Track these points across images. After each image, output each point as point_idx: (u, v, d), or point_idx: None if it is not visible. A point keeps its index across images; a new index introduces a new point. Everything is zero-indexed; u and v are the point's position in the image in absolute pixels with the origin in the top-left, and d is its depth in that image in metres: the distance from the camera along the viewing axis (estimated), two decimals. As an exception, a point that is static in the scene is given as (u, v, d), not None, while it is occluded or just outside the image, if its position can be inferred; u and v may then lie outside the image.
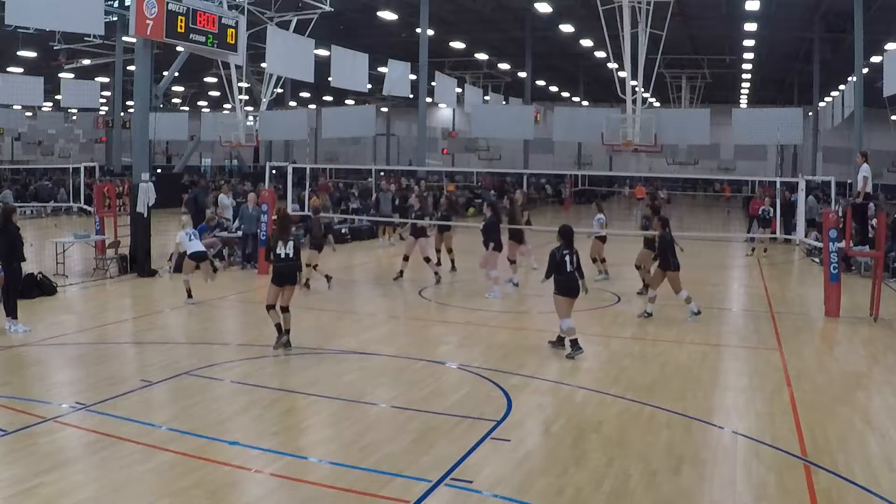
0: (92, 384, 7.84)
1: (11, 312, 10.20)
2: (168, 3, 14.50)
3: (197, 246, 12.44)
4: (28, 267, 13.12)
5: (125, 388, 7.69)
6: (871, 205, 17.35)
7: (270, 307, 9.40)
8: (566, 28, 30.68)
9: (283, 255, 9.37)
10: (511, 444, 6.43)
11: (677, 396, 7.84)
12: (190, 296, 12.28)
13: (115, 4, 25.12)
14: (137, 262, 15.15)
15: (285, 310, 9.39)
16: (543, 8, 27.37)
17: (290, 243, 9.43)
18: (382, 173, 40.67)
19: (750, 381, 8.60)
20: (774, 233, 17.26)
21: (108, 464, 5.81)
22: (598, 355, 9.56)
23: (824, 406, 7.71)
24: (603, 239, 15.34)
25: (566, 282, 9.27)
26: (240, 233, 16.62)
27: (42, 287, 12.73)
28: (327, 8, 23.12)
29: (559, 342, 9.49)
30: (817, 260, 17.68)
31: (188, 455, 6.00)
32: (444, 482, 5.61)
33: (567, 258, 9.26)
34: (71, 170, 23.15)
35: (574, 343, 9.21)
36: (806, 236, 15.31)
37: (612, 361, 9.30)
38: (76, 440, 6.35)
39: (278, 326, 9.35)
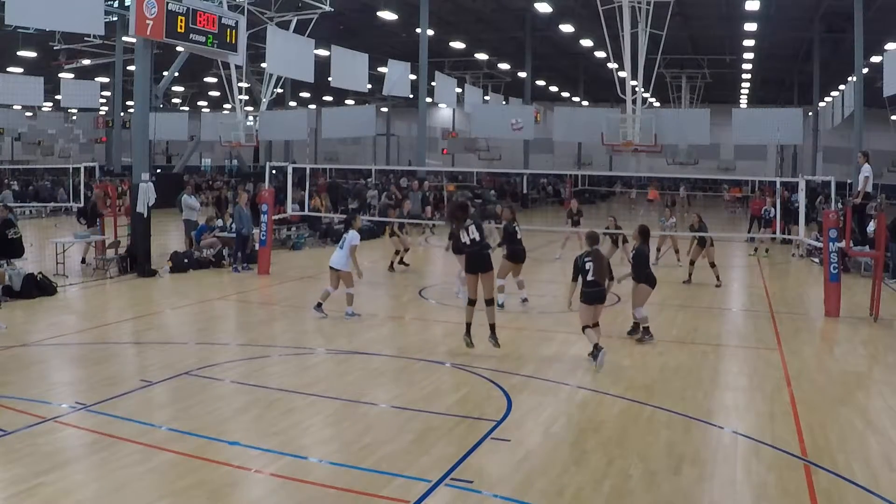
0: (92, 384, 7.84)
1: None
2: (168, 3, 14.50)
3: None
4: (28, 267, 13.17)
5: (125, 388, 7.69)
6: (872, 205, 17.34)
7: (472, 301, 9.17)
8: (566, 28, 30.69)
9: (468, 242, 9.10)
10: (511, 444, 6.43)
11: (677, 396, 7.84)
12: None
13: (115, 4, 25.16)
14: (137, 262, 15.15)
15: (488, 302, 9.11)
16: (543, 8, 27.38)
17: (472, 227, 9.07)
18: (390, 173, 40.61)
19: (750, 381, 8.60)
20: (775, 233, 17.28)
21: (108, 464, 5.80)
22: (598, 355, 9.57)
23: (824, 406, 7.71)
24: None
25: (650, 274, 10.28)
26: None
27: (42, 287, 12.73)
28: (327, 8, 23.14)
29: (635, 329, 10.41)
30: (817, 260, 17.68)
31: (188, 455, 5.99)
32: (444, 482, 5.60)
33: (648, 254, 10.46)
34: (71, 170, 23.14)
35: (647, 329, 10.21)
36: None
37: (612, 361, 9.28)
38: (76, 440, 6.35)
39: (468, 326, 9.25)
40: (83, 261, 16.04)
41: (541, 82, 45.93)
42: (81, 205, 18.73)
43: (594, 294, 9.03)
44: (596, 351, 8.83)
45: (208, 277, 15.47)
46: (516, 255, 12.41)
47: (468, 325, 9.30)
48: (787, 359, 9.49)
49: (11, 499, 5.15)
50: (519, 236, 12.47)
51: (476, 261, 9.08)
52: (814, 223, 22.79)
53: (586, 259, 9.08)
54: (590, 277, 9.00)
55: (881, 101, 22.95)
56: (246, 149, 34.07)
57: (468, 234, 9.11)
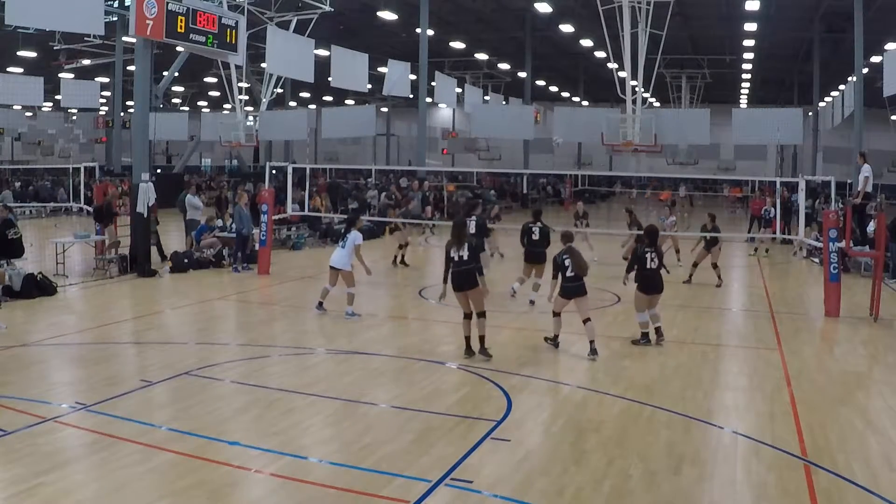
0: (92, 384, 7.84)
1: None
2: (168, 3, 14.50)
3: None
4: (28, 267, 13.17)
5: (125, 388, 7.69)
6: (872, 205, 17.36)
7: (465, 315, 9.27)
8: (566, 28, 30.70)
9: (455, 259, 9.16)
10: (511, 444, 6.43)
11: (677, 396, 7.84)
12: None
13: (115, 4, 25.16)
14: (137, 262, 15.15)
15: (480, 315, 9.19)
16: (543, 8, 27.38)
17: (465, 247, 9.17)
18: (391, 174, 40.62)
19: (750, 381, 8.60)
20: (775, 233, 17.29)
21: (108, 464, 5.81)
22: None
23: (824, 406, 7.71)
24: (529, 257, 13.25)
25: (646, 277, 10.04)
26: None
27: (42, 287, 12.72)
28: (327, 8, 23.15)
29: (644, 336, 10.18)
30: (817, 260, 17.68)
31: (188, 455, 6.00)
32: (444, 482, 5.61)
33: (648, 256, 10.04)
34: (71, 170, 23.13)
35: (645, 335, 10.09)
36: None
37: (612, 361, 9.30)
38: (76, 440, 6.35)
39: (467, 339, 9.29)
40: (96, 255, 15.88)
41: (541, 82, 45.93)
42: (85, 205, 18.69)
43: (573, 288, 9.55)
44: (555, 339, 9.74)
45: (208, 277, 15.47)
46: (529, 256, 12.89)
47: (467, 339, 9.30)
48: (787, 359, 9.49)
49: (11, 499, 5.15)
50: (535, 237, 12.79)
51: (459, 279, 9.17)
52: (814, 223, 22.81)
53: (564, 256, 9.61)
54: (569, 273, 9.52)
55: (881, 101, 22.95)
56: (246, 149, 34.08)
57: (458, 252, 9.19)
